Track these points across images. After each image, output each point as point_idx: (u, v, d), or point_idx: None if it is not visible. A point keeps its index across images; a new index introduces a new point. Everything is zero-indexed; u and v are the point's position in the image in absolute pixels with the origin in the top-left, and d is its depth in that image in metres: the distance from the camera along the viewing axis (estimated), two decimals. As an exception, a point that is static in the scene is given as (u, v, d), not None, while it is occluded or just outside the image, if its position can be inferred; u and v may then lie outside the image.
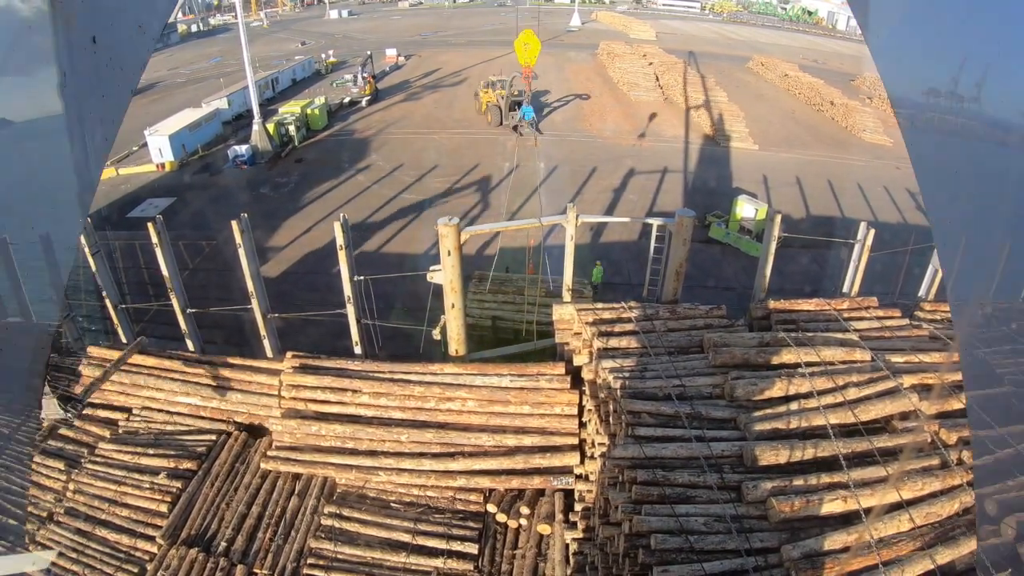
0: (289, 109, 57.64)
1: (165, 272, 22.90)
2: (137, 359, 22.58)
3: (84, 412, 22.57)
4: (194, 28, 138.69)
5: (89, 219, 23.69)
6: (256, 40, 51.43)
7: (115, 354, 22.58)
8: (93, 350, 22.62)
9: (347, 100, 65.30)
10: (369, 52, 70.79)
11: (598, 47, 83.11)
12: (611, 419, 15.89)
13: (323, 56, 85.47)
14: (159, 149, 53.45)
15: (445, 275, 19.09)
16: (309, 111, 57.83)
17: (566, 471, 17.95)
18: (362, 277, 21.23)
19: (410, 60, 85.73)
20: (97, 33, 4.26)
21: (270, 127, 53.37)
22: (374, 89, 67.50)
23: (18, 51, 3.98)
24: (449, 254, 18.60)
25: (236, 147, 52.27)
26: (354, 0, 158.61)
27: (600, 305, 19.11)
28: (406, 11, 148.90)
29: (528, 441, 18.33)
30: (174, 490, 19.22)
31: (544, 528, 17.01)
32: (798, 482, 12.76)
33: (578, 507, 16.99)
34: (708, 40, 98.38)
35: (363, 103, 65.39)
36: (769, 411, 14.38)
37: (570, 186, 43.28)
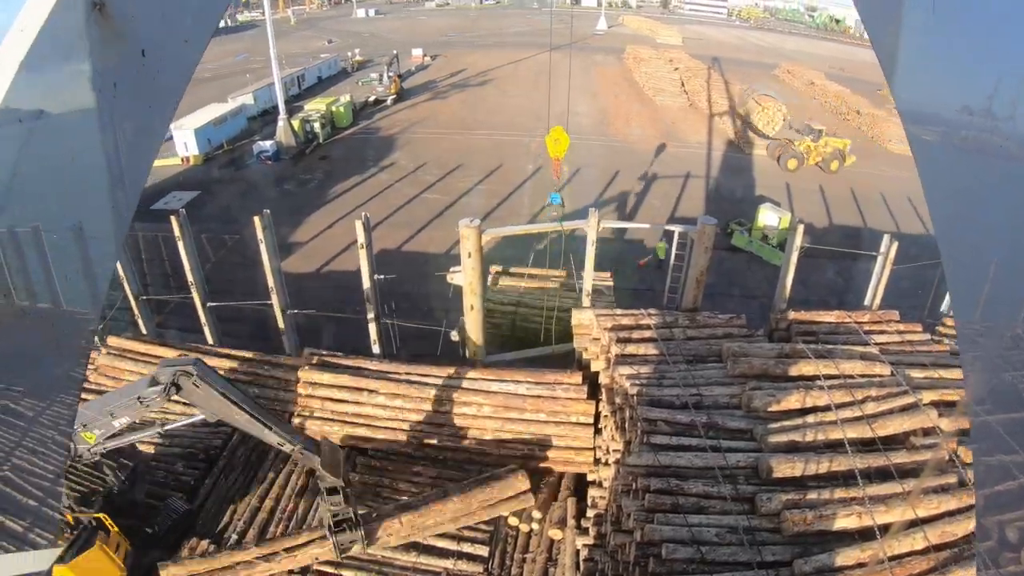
0: (315, 106, 57.89)
1: (187, 265, 23.07)
2: (156, 350, 22.77)
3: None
4: (221, 24, 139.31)
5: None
6: (283, 37, 51.73)
7: (134, 344, 22.84)
8: (112, 340, 22.80)
9: (372, 99, 65.48)
10: (395, 51, 70.98)
11: (624, 51, 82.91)
12: (627, 426, 15.87)
13: (349, 54, 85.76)
14: (185, 143, 53.80)
15: (465, 276, 19.10)
16: (334, 109, 58.07)
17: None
18: (382, 276, 21.25)
19: (436, 60, 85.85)
20: (147, 47, 4.37)
21: (295, 123, 53.70)
22: (399, 88, 67.68)
23: (71, 63, 4.09)
24: (470, 256, 18.61)
25: (261, 142, 52.59)
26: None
27: (619, 311, 19.08)
28: (432, 11, 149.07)
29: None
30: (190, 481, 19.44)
31: (556, 533, 17.02)
32: (812, 496, 12.69)
33: (590, 513, 16.97)
34: (734, 46, 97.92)
35: (388, 102, 65.59)
36: (786, 423, 14.29)
37: (593, 189, 43.21)
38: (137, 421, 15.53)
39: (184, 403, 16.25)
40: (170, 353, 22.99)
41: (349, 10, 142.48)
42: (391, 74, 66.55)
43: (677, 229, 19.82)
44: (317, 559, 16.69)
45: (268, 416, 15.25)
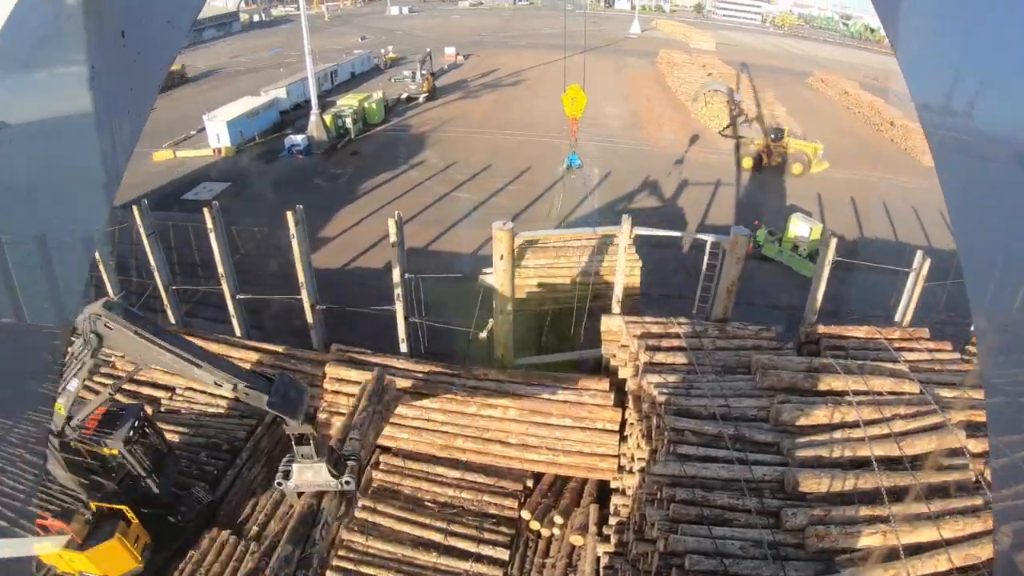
0: (347, 102, 58.22)
1: (217, 256, 23.25)
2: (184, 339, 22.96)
3: (128, 388, 22.99)
4: (256, 18, 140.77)
5: (145, 200, 24.11)
6: (316, 33, 52.13)
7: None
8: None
9: (405, 96, 65.77)
10: (428, 50, 71.14)
11: (657, 55, 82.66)
12: (653, 435, 15.84)
13: (382, 51, 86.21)
14: (217, 134, 54.45)
15: (497, 278, 19.11)
16: (367, 105, 58.48)
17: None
18: (412, 275, 21.31)
19: (469, 59, 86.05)
20: (127, 27, 4.29)
21: (327, 119, 54.13)
22: (432, 86, 67.95)
23: (49, 44, 4.02)
24: (502, 258, 18.62)
25: (293, 136, 53.02)
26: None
27: (649, 318, 19.02)
28: (466, 10, 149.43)
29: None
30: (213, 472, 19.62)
31: (577, 539, 16.98)
32: (837, 512, 12.63)
33: (612, 521, 16.91)
34: (768, 53, 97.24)
35: (420, 100, 65.94)
36: (813, 438, 14.21)
37: (623, 193, 43.09)
38: (84, 381, 14.40)
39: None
40: (198, 343, 23.21)
41: (383, 7, 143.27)
42: (424, 72, 66.73)
43: (710, 238, 19.72)
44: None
45: (202, 355, 12.78)
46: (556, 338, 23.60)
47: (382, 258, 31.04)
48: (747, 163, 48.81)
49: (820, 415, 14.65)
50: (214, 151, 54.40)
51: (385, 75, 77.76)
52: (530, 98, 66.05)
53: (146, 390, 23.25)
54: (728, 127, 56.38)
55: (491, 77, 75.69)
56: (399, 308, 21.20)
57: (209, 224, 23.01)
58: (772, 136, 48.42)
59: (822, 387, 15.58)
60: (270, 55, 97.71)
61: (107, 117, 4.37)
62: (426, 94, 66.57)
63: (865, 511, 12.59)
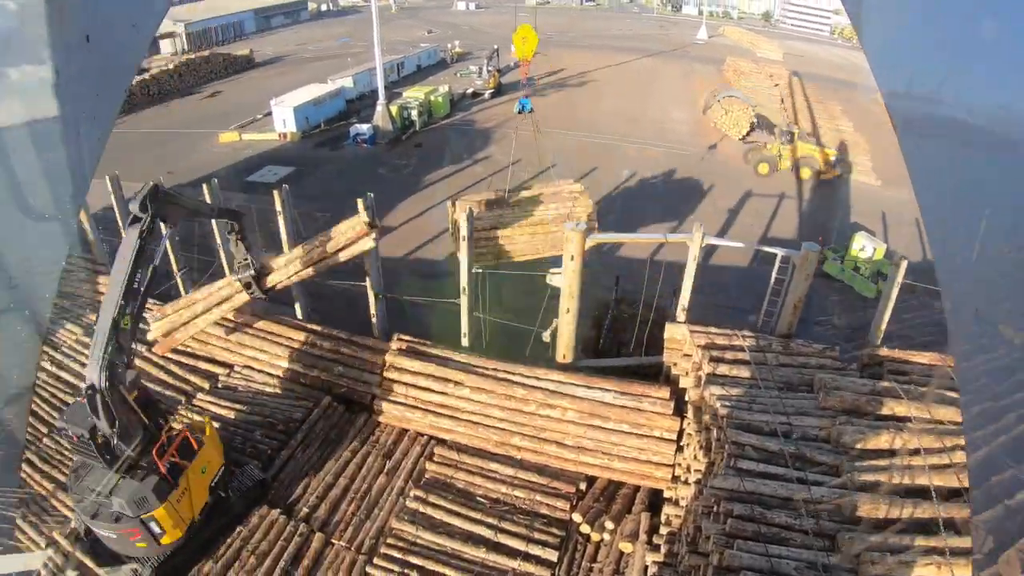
0: (413, 94, 58.70)
1: (284, 238, 23.60)
2: (245, 318, 23.52)
3: (187, 363, 23.73)
4: (324, 7, 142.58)
5: (215, 179, 24.60)
6: (384, 24, 52.46)
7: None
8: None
9: (470, 91, 66.05)
10: (496, 46, 71.31)
11: (724, 62, 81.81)
12: (712, 447, 15.75)
13: (449, 46, 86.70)
14: (283, 119, 55.38)
15: (565, 279, 19.08)
16: (432, 98, 58.84)
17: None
18: (480, 269, 21.36)
19: (535, 58, 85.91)
20: (91, 31, 4.29)
21: (393, 109, 54.60)
22: (498, 83, 68.06)
23: (13, 49, 4.02)
24: (572, 259, 18.58)
25: (358, 125, 53.64)
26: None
27: (714, 329, 18.86)
28: (533, 8, 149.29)
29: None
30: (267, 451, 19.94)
31: (626, 546, 16.88)
32: (894, 540, 12.47)
33: (663, 530, 16.80)
34: (836, 65, 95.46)
35: (486, 95, 66.06)
36: (873, 462, 13.97)
37: (687, 202, 42.72)
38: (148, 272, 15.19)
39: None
40: (259, 323, 23.72)
41: (450, 2, 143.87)
42: (490, 68, 66.92)
43: (780, 252, 19.47)
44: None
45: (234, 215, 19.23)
46: (615, 342, 23.61)
47: (443, 250, 31.28)
48: (763, 169, 48.16)
49: (881, 440, 14.40)
50: (279, 135, 55.32)
51: (451, 69, 78.16)
52: (596, 99, 65.82)
53: (204, 365, 23.81)
54: (749, 133, 55.51)
55: (557, 77, 75.48)
56: (464, 302, 21.30)
57: (278, 206, 23.39)
58: (784, 139, 47.87)
59: (884, 411, 15.31)
60: (338, 44, 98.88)
61: (74, 123, 4.40)
62: (492, 90, 66.63)
63: (921, 541, 12.39)
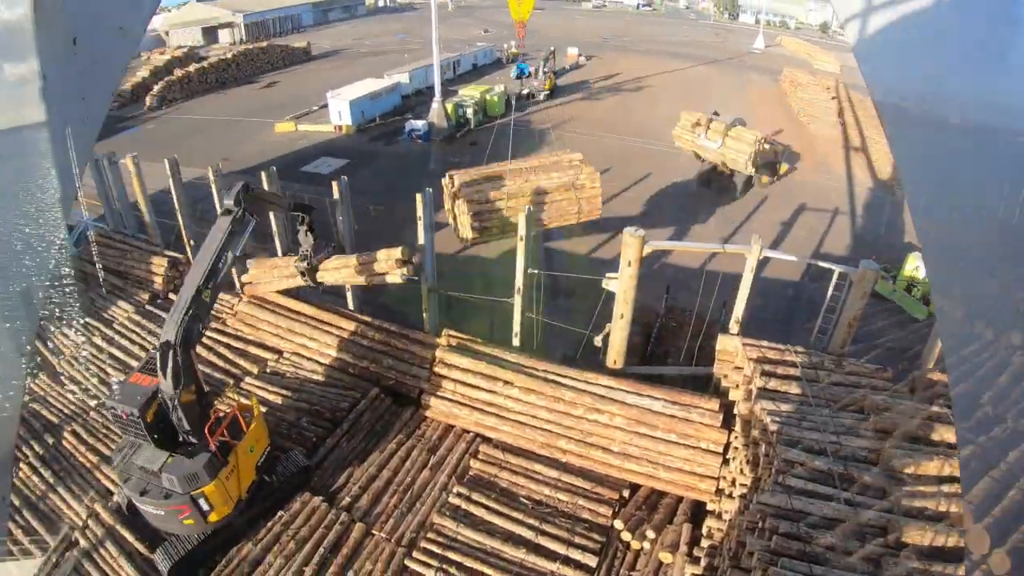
0: (469, 92, 58.98)
1: (341, 229, 23.95)
2: (296, 306, 24.05)
3: (236, 347, 24.25)
4: (380, 3, 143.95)
5: (274, 168, 25.04)
6: (440, 22, 52.58)
7: (273, 296, 24.19)
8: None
9: (526, 92, 65.78)
10: (552, 48, 71.22)
11: (781, 73, 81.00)
12: (760, 462, 15.66)
13: (505, 46, 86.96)
14: (339, 111, 56.06)
15: (621, 284, 19.04)
16: (488, 97, 59.03)
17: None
18: (536, 271, 21.43)
19: (590, 61, 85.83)
20: (78, 35, 4.35)
21: (449, 107, 54.90)
22: (553, 85, 67.90)
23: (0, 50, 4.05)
24: (629, 264, 18.52)
25: (413, 121, 54.06)
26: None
27: (766, 343, 18.73)
28: (589, 12, 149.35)
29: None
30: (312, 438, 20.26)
31: (666, 556, 16.79)
32: (938, 568, 12.32)
33: (704, 543, 16.66)
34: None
35: (541, 97, 65.88)
36: (922, 488, 13.79)
37: (741, 212, 42.41)
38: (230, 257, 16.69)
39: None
40: (310, 310, 24.12)
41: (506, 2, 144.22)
42: (546, 70, 66.78)
43: (837, 269, 19.26)
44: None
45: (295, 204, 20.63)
46: (662, 350, 23.56)
47: (495, 248, 31.40)
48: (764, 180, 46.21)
49: (931, 466, 14.13)
50: (335, 128, 56.00)
51: (507, 69, 78.30)
52: (651, 105, 65.43)
53: (253, 349, 24.22)
54: (765, 168, 46.09)
55: (612, 81, 75.16)
56: (518, 302, 21.37)
57: (336, 196, 23.73)
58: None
59: (935, 437, 15.06)
60: (396, 39, 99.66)
61: (60, 125, 4.45)
62: (547, 92, 66.49)
63: (964, 571, 12.26)
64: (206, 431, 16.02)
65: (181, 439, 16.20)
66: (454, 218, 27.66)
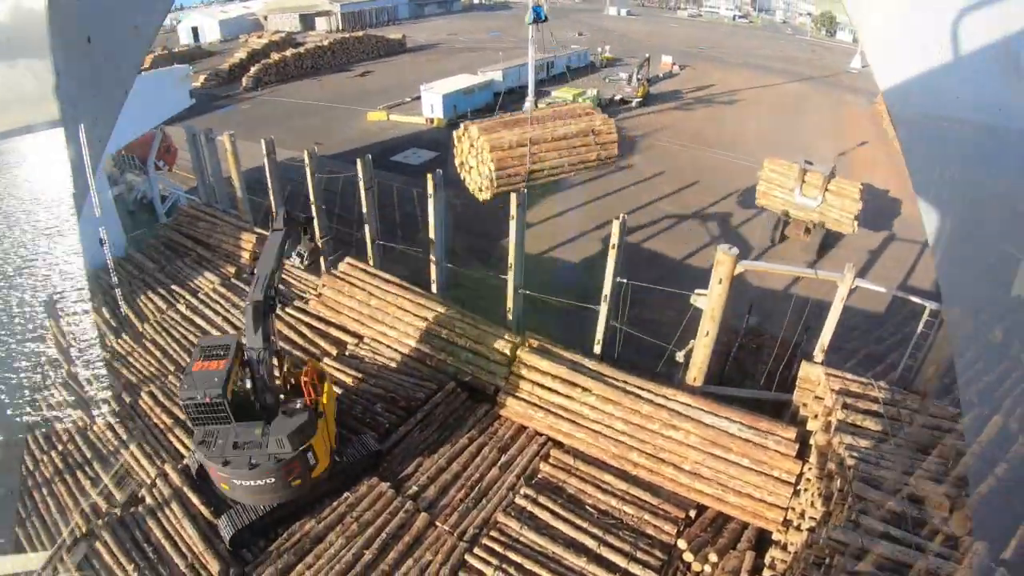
0: (562, 94, 59.23)
1: (431, 222, 24.33)
2: (379, 279, 25.01)
3: (318, 328, 24.98)
4: (476, 0, 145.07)
5: (369, 155, 25.58)
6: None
7: (359, 273, 25.06)
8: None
9: (618, 97, 65.59)
10: (647, 55, 70.68)
11: (877, 96, 79.05)
12: (833, 497, 15.47)
13: (599, 50, 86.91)
14: (431, 105, 56.86)
15: (709, 302, 18.92)
16: (580, 100, 58.68)
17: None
18: (624, 280, 21.48)
19: (684, 70, 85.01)
20: (92, 33, 4.36)
21: (541, 107, 54.73)
22: (646, 92, 67.54)
23: (13, 50, 4.07)
24: (720, 282, 18.37)
25: (505, 119, 54.09)
26: (632, 0, 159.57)
27: (850, 376, 18.42)
28: (684, 21, 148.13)
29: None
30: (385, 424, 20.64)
31: (727, 581, 16.75)
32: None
33: (767, 573, 16.47)
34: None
35: (633, 104, 65.62)
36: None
37: (832, 236, 41.44)
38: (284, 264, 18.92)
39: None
40: (391, 297, 24.71)
41: (601, 6, 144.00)
42: (640, 77, 66.38)
43: (929, 305, 18.80)
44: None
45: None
46: (739, 372, 23.39)
47: (578, 252, 31.45)
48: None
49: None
50: (426, 120, 56.86)
51: (599, 74, 78.23)
52: (742, 119, 64.53)
53: (335, 332, 24.84)
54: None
55: (705, 92, 74.20)
56: (603, 310, 21.38)
57: (430, 191, 24.08)
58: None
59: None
60: (489, 37, 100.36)
61: (73, 122, 4.43)
62: (640, 99, 66.18)
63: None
64: (303, 384, 16.91)
65: (259, 407, 16.71)
66: (468, 171, 27.14)
